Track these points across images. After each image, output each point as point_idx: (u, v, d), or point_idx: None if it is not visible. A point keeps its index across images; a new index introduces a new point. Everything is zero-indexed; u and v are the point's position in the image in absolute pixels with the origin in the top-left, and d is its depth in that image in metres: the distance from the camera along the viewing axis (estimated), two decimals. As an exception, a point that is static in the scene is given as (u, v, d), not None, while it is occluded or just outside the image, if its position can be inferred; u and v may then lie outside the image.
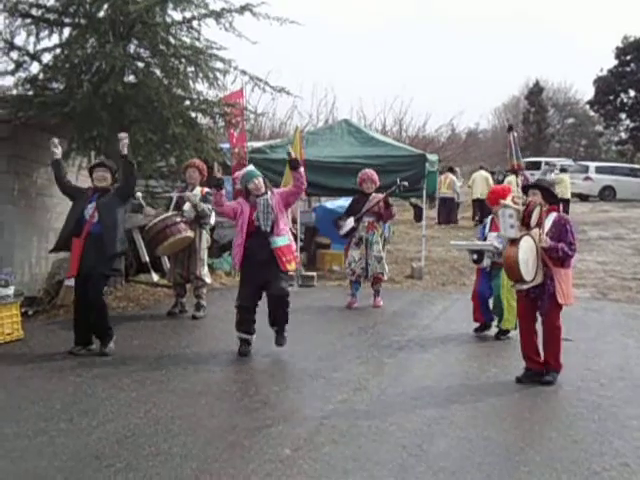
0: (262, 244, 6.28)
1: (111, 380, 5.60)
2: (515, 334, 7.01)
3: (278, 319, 6.43)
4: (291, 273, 6.84)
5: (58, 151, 6.66)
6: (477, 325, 7.39)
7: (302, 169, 6.48)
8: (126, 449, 4.22)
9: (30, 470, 3.94)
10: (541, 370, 5.70)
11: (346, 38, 68.01)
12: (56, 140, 6.65)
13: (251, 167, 6.65)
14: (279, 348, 6.50)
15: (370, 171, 8.83)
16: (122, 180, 6.63)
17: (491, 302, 7.26)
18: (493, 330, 7.29)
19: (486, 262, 6.98)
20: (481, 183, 18.86)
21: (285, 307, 6.39)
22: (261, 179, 6.44)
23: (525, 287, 5.55)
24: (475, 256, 7.02)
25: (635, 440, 4.48)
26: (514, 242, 5.49)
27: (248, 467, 3.98)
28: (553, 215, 5.71)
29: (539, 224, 5.60)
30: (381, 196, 8.65)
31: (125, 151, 6.48)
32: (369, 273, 8.66)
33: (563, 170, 21.66)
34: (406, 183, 8.83)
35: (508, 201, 6.03)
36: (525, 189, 6.03)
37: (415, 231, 16.92)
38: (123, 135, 6.49)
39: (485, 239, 7.12)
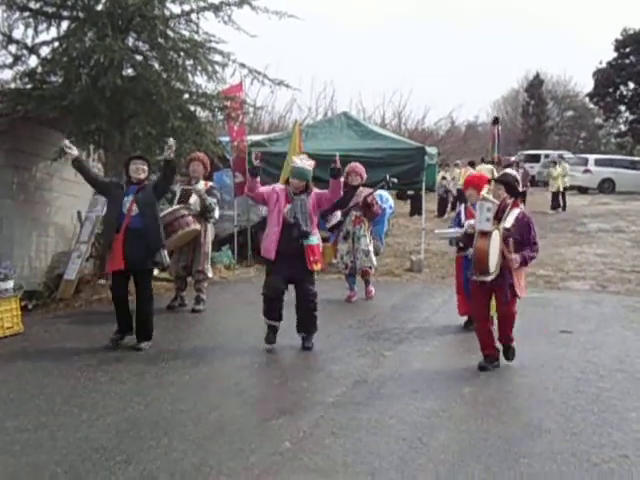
0: (294, 238, 6.25)
1: (111, 373, 5.61)
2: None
3: (306, 324, 6.44)
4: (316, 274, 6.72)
5: (72, 151, 6.46)
6: (466, 319, 7.38)
7: (342, 179, 6.45)
8: (126, 442, 4.23)
9: (31, 464, 3.95)
10: (497, 355, 5.91)
11: (346, 33, 68.15)
12: (67, 141, 6.56)
13: (309, 167, 6.45)
14: (280, 341, 6.51)
15: (355, 164, 8.73)
16: (162, 179, 6.56)
17: None
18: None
19: (471, 250, 6.99)
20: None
21: (313, 309, 6.42)
22: (305, 183, 6.37)
23: (489, 279, 5.61)
24: (461, 244, 7.02)
25: (634, 432, 4.49)
26: (485, 235, 5.54)
27: (248, 460, 3.99)
28: (516, 211, 5.76)
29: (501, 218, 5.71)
30: (369, 191, 8.61)
31: (172, 156, 6.41)
32: (357, 267, 8.66)
33: (554, 162, 21.74)
34: (395, 179, 8.75)
35: (486, 194, 6.04)
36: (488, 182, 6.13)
37: (414, 224, 16.91)
38: (172, 143, 6.39)
39: (462, 227, 7.14)
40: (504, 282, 5.65)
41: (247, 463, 3.96)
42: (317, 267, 6.44)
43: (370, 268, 8.75)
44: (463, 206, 7.39)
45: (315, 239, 6.40)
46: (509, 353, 5.94)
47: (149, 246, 6.30)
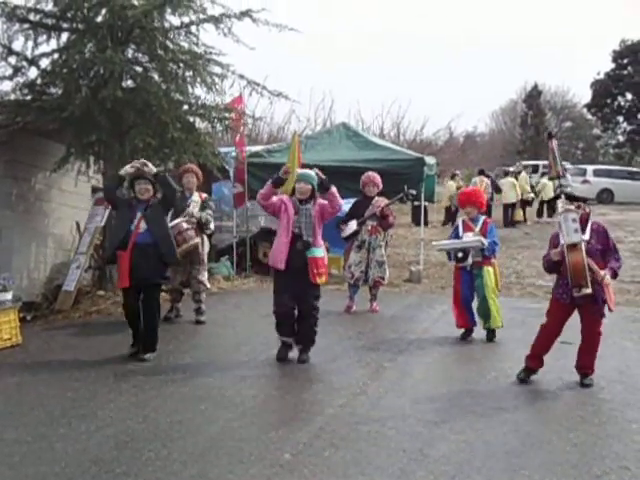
0: (299, 251, 6.18)
1: (110, 385, 5.59)
2: (500, 336, 7.06)
3: (304, 336, 6.36)
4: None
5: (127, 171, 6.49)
6: (462, 331, 7.37)
7: (334, 189, 6.24)
8: (125, 454, 4.21)
9: (30, 476, 3.93)
10: (539, 369, 5.83)
11: (344, 42, 68.28)
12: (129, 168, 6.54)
13: (310, 172, 6.39)
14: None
15: (372, 174, 8.75)
16: (164, 191, 6.57)
17: (474, 304, 7.27)
18: (482, 334, 7.27)
19: (470, 260, 7.05)
20: (510, 189, 19.62)
21: (314, 324, 6.35)
22: (310, 187, 6.27)
23: (589, 291, 5.34)
24: (460, 254, 7.08)
25: (635, 443, 4.48)
26: (575, 247, 5.34)
27: (248, 472, 3.98)
28: (588, 223, 5.62)
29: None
30: (384, 201, 8.60)
31: (154, 170, 6.42)
32: (369, 277, 8.64)
33: (544, 174, 22.01)
34: (414, 192, 8.74)
35: (563, 204, 5.86)
36: (556, 199, 5.97)
37: (413, 235, 16.93)
38: (139, 164, 6.41)
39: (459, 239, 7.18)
40: (597, 297, 5.45)
41: (247, 475, 3.94)
42: (321, 280, 6.31)
43: (382, 279, 8.73)
44: (460, 219, 7.42)
45: (319, 251, 6.29)
46: (589, 381, 5.69)
47: (161, 259, 6.30)
